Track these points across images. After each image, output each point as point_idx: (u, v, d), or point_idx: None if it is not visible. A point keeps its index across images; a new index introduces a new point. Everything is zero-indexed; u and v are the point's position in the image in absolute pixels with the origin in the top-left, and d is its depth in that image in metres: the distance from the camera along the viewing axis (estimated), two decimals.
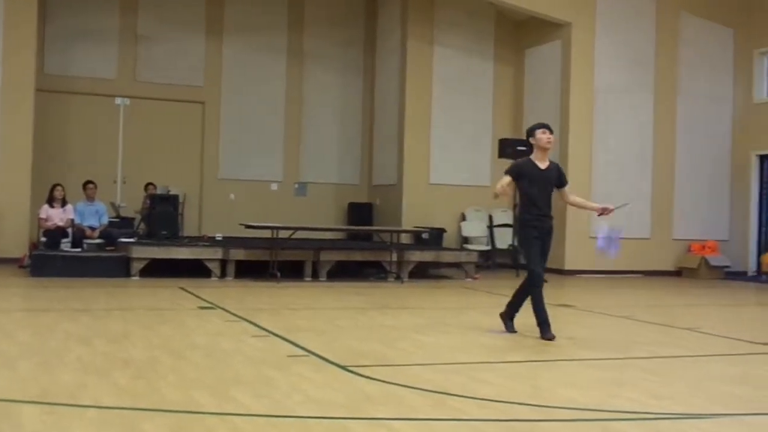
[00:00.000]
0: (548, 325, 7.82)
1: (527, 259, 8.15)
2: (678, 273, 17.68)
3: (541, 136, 7.96)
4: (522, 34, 18.68)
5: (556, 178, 8.07)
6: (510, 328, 8.18)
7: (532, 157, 8.06)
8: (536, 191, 7.94)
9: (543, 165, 8.01)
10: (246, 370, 6.06)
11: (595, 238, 8.46)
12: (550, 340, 7.71)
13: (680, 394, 5.70)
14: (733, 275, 17.53)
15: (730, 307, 12.60)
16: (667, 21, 17.78)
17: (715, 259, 17.49)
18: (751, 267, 17.98)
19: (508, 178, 7.98)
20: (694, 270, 17.36)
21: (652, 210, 17.50)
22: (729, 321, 10.79)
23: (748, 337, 8.60)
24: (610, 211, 8.09)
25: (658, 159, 17.71)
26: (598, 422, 4.79)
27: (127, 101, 17.86)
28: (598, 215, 8.27)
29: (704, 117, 18.11)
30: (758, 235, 18.13)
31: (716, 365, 7.06)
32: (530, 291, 7.94)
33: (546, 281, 8.17)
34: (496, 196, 8.19)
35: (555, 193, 8.19)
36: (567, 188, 8.24)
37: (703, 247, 17.58)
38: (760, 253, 17.88)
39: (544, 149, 8.00)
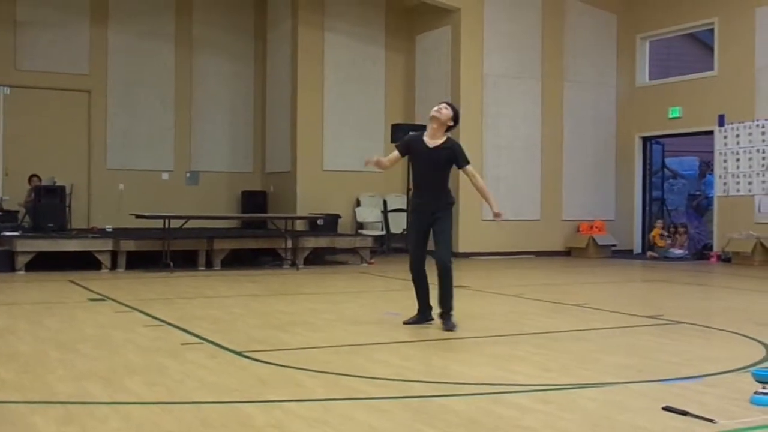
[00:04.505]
0: (422, 313, 7.62)
1: None
2: (567, 253, 18.14)
3: (432, 109, 7.48)
4: (412, 20, 18.80)
5: (447, 158, 7.39)
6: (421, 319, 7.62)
7: (425, 133, 7.49)
8: (419, 171, 7.48)
9: (433, 143, 7.38)
10: (138, 359, 5.95)
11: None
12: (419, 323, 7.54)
13: (569, 367, 5.84)
14: (619, 253, 18.09)
15: (617, 283, 12.97)
16: (553, 7, 18.15)
17: (603, 239, 18.00)
18: (636, 245, 18.59)
19: (395, 154, 7.56)
20: (582, 249, 17.84)
21: (542, 192, 17.90)
22: (616, 297, 11.11)
23: (635, 311, 8.88)
24: (500, 218, 7.61)
25: (546, 143, 18.08)
26: (490, 395, 4.88)
27: (7, 90, 17.25)
28: (493, 217, 7.64)
29: (590, 101, 18.60)
30: (642, 215, 18.77)
31: (604, 338, 7.26)
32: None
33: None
34: (367, 163, 7.67)
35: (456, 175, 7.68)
36: (470, 169, 7.49)
37: (591, 227, 18.07)
38: (644, 232, 18.50)
39: (432, 123, 7.40)
